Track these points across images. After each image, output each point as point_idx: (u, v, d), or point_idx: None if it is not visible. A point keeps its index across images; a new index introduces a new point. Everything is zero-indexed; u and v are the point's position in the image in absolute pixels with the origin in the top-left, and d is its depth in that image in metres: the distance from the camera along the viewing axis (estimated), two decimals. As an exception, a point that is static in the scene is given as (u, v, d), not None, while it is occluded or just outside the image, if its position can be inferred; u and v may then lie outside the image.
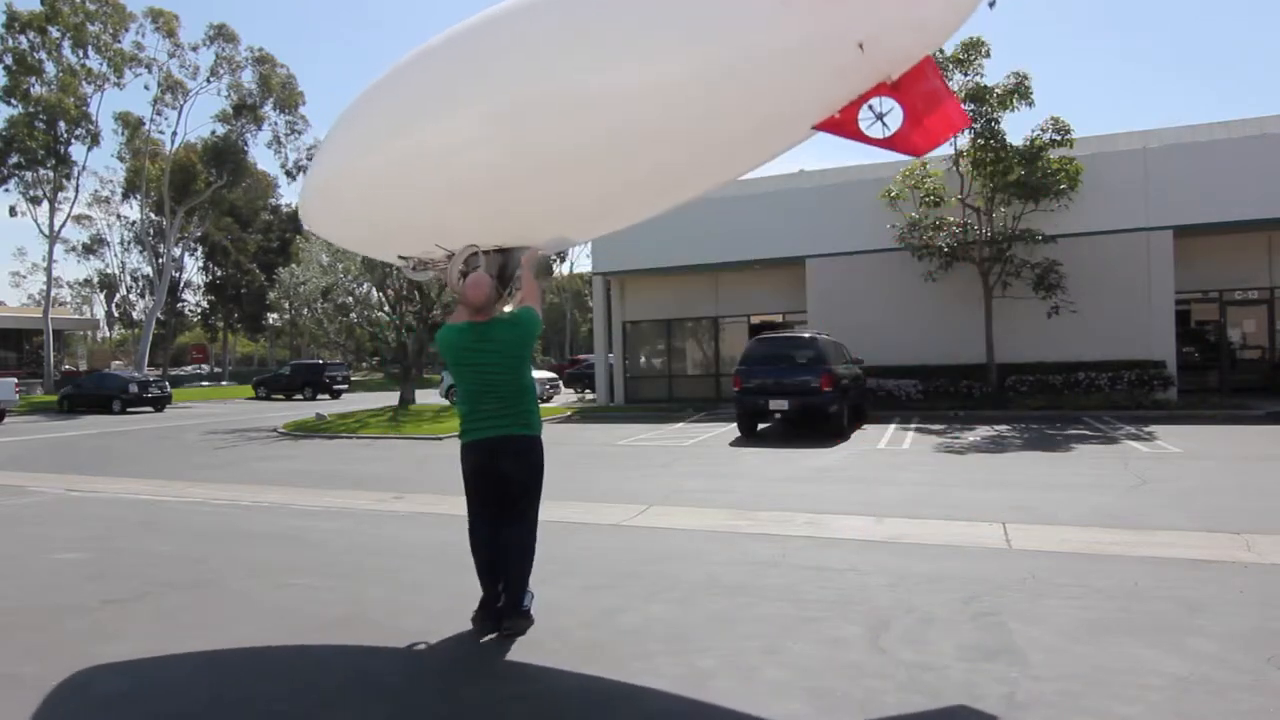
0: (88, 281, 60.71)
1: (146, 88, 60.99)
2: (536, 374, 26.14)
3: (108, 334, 69.13)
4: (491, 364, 4.27)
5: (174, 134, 42.55)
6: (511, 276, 4.69)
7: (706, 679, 3.67)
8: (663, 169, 4.05)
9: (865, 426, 15.37)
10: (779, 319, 22.68)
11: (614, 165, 3.97)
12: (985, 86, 17.29)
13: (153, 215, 46.39)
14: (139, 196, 43.41)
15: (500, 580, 4.33)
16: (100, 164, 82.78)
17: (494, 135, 4.01)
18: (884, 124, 3.54)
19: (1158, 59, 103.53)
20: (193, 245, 50.81)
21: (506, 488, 4.33)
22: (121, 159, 43.98)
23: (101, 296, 60.26)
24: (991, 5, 4.09)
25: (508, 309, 4.57)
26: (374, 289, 23.66)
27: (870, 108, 3.56)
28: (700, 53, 3.55)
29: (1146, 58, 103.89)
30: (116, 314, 58.54)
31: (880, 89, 3.53)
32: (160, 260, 44.30)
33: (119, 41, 37.46)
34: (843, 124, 3.64)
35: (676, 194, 4.53)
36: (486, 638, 4.24)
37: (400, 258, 4.99)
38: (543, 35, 3.85)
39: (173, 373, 51.98)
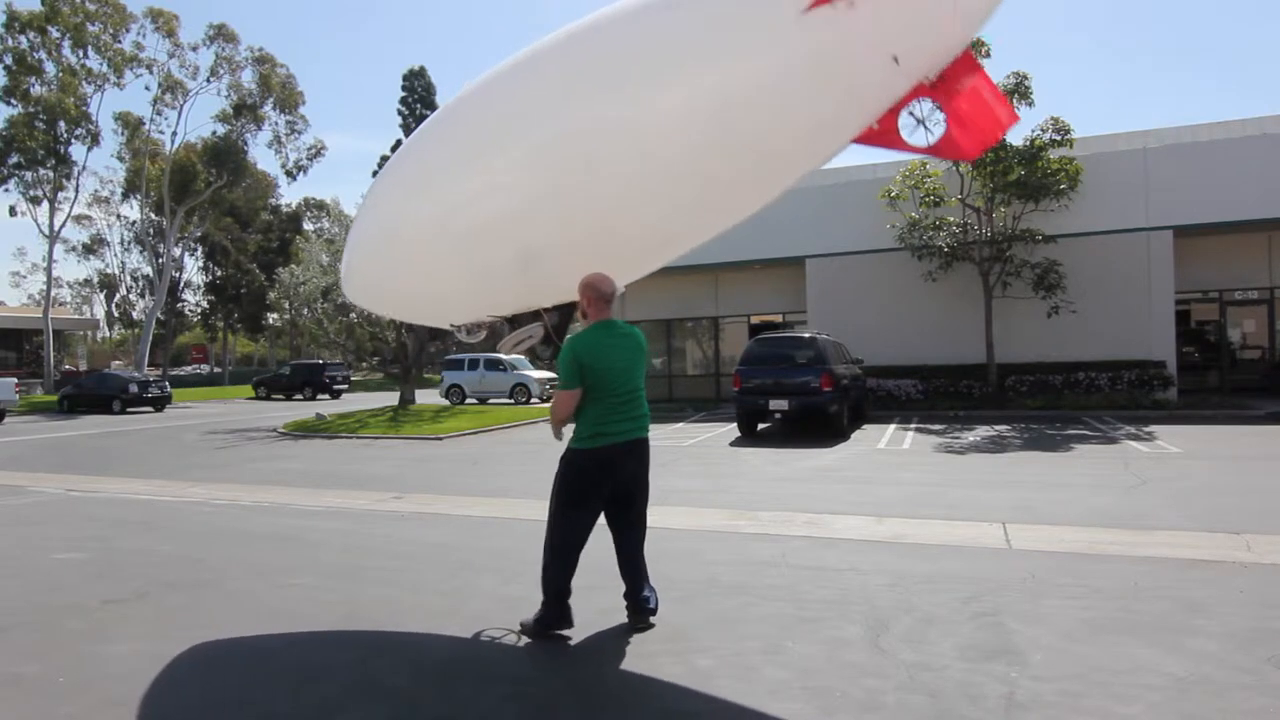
0: (88, 281, 60.80)
1: (147, 88, 61.35)
2: (536, 374, 26.12)
3: (108, 334, 69.14)
4: (624, 357, 4.20)
5: (174, 134, 42.64)
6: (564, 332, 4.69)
7: (707, 679, 3.67)
8: (692, 198, 3.98)
9: (865, 426, 15.37)
10: (779, 319, 22.69)
11: (660, 193, 3.88)
12: (985, 86, 17.27)
13: (153, 215, 46.38)
14: (139, 196, 43.37)
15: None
16: (100, 164, 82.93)
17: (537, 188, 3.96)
18: (927, 129, 3.35)
19: (1157, 59, 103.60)
20: (193, 245, 50.83)
21: (628, 488, 4.30)
22: (121, 159, 43.97)
23: (101, 296, 60.32)
24: None
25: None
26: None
27: (911, 113, 3.36)
28: (719, 74, 3.43)
29: (1146, 58, 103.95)
30: (116, 314, 58.54)
31: (919, 90, 3.32)
32: (160, 260, 44.30)
33: (119, 42, 37.46)
34: (883, 134, 3.44)
35: (705, 220, 4.43)
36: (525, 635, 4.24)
37: (452, 325, 4.98)
38: (583, 68, 3.79)
39: (173, 373, 51.97)
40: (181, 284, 53.20)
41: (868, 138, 3.50)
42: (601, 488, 4.24)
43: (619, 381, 4.19)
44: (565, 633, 4.28)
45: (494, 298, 4.65)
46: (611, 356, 4.18)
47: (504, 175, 4.08)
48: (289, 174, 43.59)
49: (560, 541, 4.25)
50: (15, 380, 26.66)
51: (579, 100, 3.79)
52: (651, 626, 4.36)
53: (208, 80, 40.28)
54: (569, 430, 4.30)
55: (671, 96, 3.55)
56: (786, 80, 3.40)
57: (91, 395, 28.62)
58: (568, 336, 4.44)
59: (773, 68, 3.38)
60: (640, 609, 4.38)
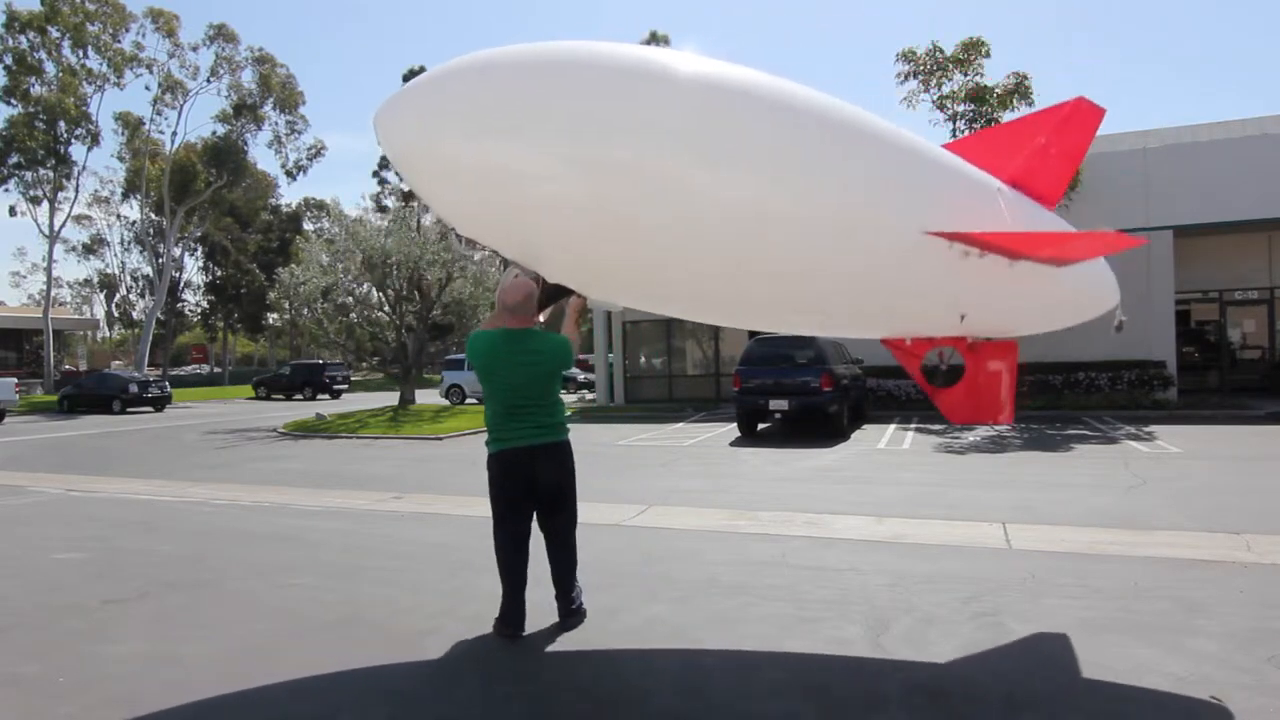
0: (88, 281, 60.72)
1: (147, 88, 61.23)
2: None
3: (108, 334, 69.08)
4: (513, 372, 4.16)
5: (174, 134, 42.54)
6: (552, 308, 4.58)
7: (707, 679, 3.67)
8: (712, 289, 3.80)
9: (865, 426, 15.37)
10: (779, 319, 22.65)
11: (687, 271, 3.64)
12: (985, 86, 17.28)
13: (153, 215, 46.33)
14: (139, 196, 43.35)
15: (525, 589, 4.28)
16: (100, 164, 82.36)
17: (579, 181, 3.39)
18: (942, 376, 3.63)
19: (1157, 60, 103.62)
20: (193, 245, 50.78)
21: (542, 494, 4.28)
22: (121, 159, 43.95)
23: (101, 296, 60.25)
24: (1118, 329, 4.28)
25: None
26: (374, 289, 23.62)
27: (940, 353, 3.63)
28: (818, 211, 3.28)
29: (1145, 58, 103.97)
30: (116, 314, 58.50)
31: (958, 342, 3.61)
32: (160, 260, 44.28)
33: (119, 41, 37.45)
34: (906, 354, 3.68)
35: (725, 314, 4.36)
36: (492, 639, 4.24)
37: (454, 231, 4.87)
38: (705, 126, 3.29)
39: (173, 373, 51.96)
40: (181, 284, 53.14)
41: (894, 345, 3.77)
42: (515, 488, 4.25)
43: (505, 392, 4.19)
44: (565, 633, 4.27)
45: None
46: (495, 366, 4.17)
47: (565, 165, 3.38)
48: (289, 174, 43.63)
49: (495, 541, 4.31)
50: (15, 380, 26.66)
51: (681, 145, 3.30)
52: (579, 622, 4.35)
53: (208, 80, 40.31)
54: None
55: (769, 194, 3.33)
56: (870, 265, 3.45)
57: (91, 395, 28.60)
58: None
59: (866, 245, 3.38)
60: (565, 610, 4.37)
